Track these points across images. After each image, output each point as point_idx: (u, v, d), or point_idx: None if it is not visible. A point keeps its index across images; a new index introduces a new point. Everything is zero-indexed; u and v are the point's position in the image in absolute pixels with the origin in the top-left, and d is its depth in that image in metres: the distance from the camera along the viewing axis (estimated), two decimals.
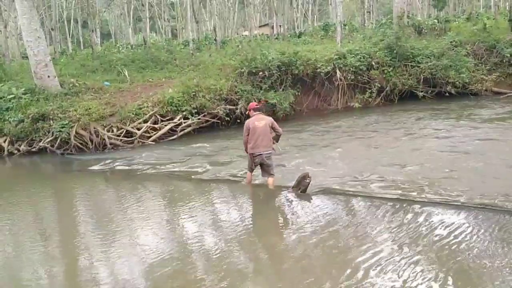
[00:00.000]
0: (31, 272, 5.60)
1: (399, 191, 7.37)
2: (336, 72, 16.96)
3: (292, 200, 7.58)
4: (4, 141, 13.48)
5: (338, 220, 6.50)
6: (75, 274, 5.55)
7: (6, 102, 14.00)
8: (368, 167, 8.99)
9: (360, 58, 17.30)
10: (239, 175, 9.14)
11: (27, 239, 6.88)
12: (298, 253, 5.47)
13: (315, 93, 17.48)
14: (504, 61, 17.81)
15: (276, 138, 8.30)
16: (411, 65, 17.68)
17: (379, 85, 17.38)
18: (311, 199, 7.52)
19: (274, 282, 4.86)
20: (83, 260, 5.90)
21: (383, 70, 17.58)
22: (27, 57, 16.91)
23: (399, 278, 4.58)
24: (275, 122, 8.22)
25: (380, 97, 17.60)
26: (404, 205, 6.77)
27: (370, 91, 17.33)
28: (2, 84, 15.44)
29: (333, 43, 20.20)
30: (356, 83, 17.44)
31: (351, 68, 17.03)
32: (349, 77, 17.10)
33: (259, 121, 8.03)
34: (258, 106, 8.46)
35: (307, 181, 7.67)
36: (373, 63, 17.56)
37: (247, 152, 8.21)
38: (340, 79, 17.04)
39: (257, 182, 8.55)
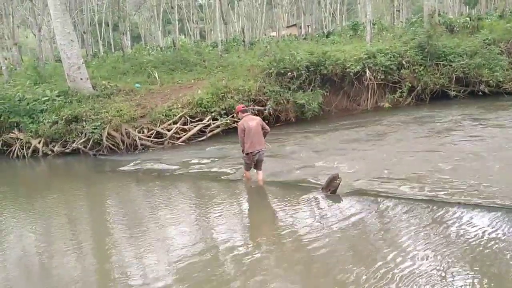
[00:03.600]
0: (65, 267, 5.72)
1: (431, 193, 7.23)
2: (365, 72, 16.78)
3: (322, 201, 7.53)
4: (39, 142, 13.83)
5: (368, 222, 6.45)
6: (107, 269, 5.67)
7: (40, 104, 14.36)
8: (399, 167, 8.87)
9: (390, 57, 17.07)
10: (268, 177, 9.13)
11: (62, 235, 7.07)
12: (327, 255, 5.43)
13: (344, 93, 17.33)
14: None
15: (264, 135, 8.76)
16: (442, 64, 17.33)
17: (410, 85, 17.12)
18: (341, 200, 7.46)
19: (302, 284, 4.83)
20: (115, 256, 6.04)
21: (414, 69, 17.29)
22: (60, 60, 17.33)
23: (432, 281, 4.50)
24: (263, 121, 8.85)
25: (411, 97, 17.32)
26: (436, 207, 6.65)
27: (400, 90, 17.07)
28: (36, 87, 15.86)
29: (362, 42, 19.98)
30: (386, 82, 17.21)
31: (381, 68, 16.81)
32: (379, 77, 16.88)
33: (252, 121, 8.54)
34: (245, 107, 9.06)
35: (337, 182, 7.63)
36: (404, 62, 17.30)
37: (243, 153, 8.61)
38: (370, 79, 16.85)
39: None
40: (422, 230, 5.85)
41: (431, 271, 4.73)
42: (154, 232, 6.81)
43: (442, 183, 7.68)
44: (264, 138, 8.78)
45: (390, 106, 16.70)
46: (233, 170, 9.99)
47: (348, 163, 9.59)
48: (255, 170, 8.78)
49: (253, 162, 8.62)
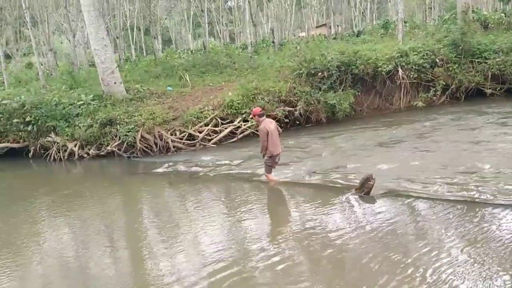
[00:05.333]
0: (101, 267, 5.85)
1: (467, 193, 7.08)
2: (398, 71, 16.49)
3: (355, 202, 7.46)
4: (75, 146, 14.16)
5: (404, 223, 6.35)
6: (141, 270, 5.77)
7: (76, 108, 14.71)
8: (435, 168, 8.70)
9: (423, 55, 16.72)
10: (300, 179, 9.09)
11: (98, 235, 7.27)
12: (361, 256, 5.37)
13: (376, 92, 17.07)
14: None
15: None
16: (478, 62, 16.86)
17: (444, 83, 16.71)
18: (376, 201, 7.36)
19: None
20: (149, 257, 6.15)
21: (448, 67, 16.89)
22: (94, 65, 17.71)
23: (471, 283, 4.41)
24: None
25: (445, 96, 16.92)
26: (473, 208, 6.51)
27: (434, 89, 16.69)
28: (72, 91, 16.26)
29: (393, 41, 19.67)
30: (419, 81, 16.86)
31: (413, 66, 16.48)
32: (411, 76, 16.56)
33: (271, 124, 8.88)
34: (263, 111, 9.21)
35: (371, 183, 7.53)
36: (437, 60, 16.92)
37: (264, 157, 8.92)
38: (403, 78, 16.54)
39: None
40: (458, 232, 5.73)
41: (468, 273, 4.63)
42: (188, 233, 6.92)
43: (479, 183, 7.49)
44: None
45: (424, 105, 16.35)
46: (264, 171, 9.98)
47: (382, 163, 9.45)
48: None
49: (276, 163, 8.87)
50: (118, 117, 14.06)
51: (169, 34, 52.92)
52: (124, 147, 13.79)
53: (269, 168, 9.01)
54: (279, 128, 9.13)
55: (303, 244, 5.93)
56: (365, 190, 7.59)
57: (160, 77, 18.93)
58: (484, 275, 4.57)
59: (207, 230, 6.97)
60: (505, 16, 20.68)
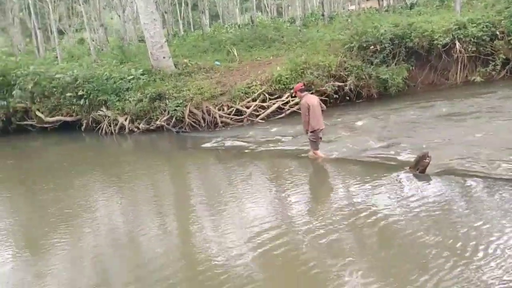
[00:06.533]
0: (150, 241, 5.89)
1: None
2: (455, 44, 15.66)
3: (408, 180, 7.15)
4: (125, 120, 14.41)
5: (456, 203, 6.05)
6: (189, 245, 5.78)
7: (126, 82, 14.92)
8: (495, 146, 8.19)
9: (483, 27, 15.77)
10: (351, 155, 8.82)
11: (147, 210, 7.36)
12: (409, 233, 5.20)
13: (431, 67, 16.31)
14: None
15: None
16: None
17: (504, 57, 15.75)
18: (431, 180, 7.02)
19: (381, 267, 4.60)
20: (196, 232, 6.17)
21: (509, 41, 15.86)
22: (143, 40, 17.86)
23: None
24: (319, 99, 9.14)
25: (505, 70, 15.97)
26: None
27: (494, 63, 15.77)
28: (122, 66, 16.51)
29: (450, 12, 18.69)
30: (478, 55, 15.96)
31: (472, 39, 15.59)
32: (469, 49, 15.68)
33: (313, 99, 8.73)
34: (304, 86, 9.13)
35: (427, 161, 7.20)
36: (498, 33, 15.91)
37: (307, 132, 8.75)
38: (460, 51, 15.70)
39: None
40: None
41: None
42: (234, 207, 6.89)
43: None
44: None
45: (482, 80, 15.52)
46: None
47: (439, 140, 9.06)
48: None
49: (320, 138, 8.73)
50: (167, 91, 14.13)
51: (216, 9, 52.64)
52: (173, 122, 13.89)
53: (314, 144, 8.82)
54: (322, 105, 8.98)
55: (350, 221, 5.76)
56: (420, 168, 7.28)
57: (207, 52, 18.90)
58: None
59: (253, 205, 6.92)
60: None
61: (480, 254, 4.50)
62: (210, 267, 4.93)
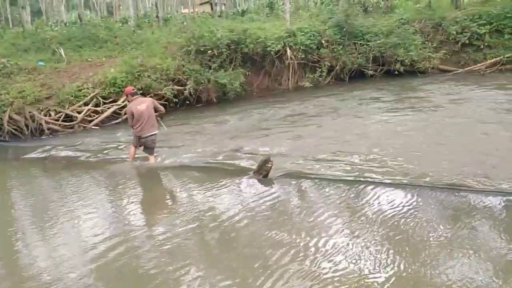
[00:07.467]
0: None
1: (359, 173, 7.07)
2: (286, 51, 16.52)
3: (253, 186, 7.07)
4: None
5: (294, 203, 6.24)
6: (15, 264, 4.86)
7: None
8: (332, 148, 8.64)
9: (310, 36, 16.96)
10: (189, 160, 8.50)
11: None
12: (253, 238, 5.16)
13: (265, 72, 17.00)
14: (450, 38, 17.86)
15: (160, 116, 8.60)
16: (360, 44, 17.52)
17: (329, 64, 17.15)
18: (273, 183, 7.05)
19: (224, 267, 4.42)
20: (23, 251, 5.41)
21: (333, 49, 17.33)
22: None
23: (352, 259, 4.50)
24: (156, 101, 8.58)
25: (331, 76, 17.37)
26: (363, 187, 6.52)
27: (320, 70, 17.04)
28: None
29: (280, 21, 19.71)
30: (307, 62, 17.11)
31: (301, 47, 16.65)
32: (299, 56, 16.72)
33: (141, 104, 8.15)
34: (134, 90, 8.61)
35: (269, 165, 7.21)
36: (323, 42, 17.27)
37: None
38: (291, 58, 16.64)
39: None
40: (342, 209, 5.81)
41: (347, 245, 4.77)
42: (67, 222, 6.12)
43: (368, 163, 7.59)
44: (162, 119, 8.73)
45: (311, 85, 16.62)
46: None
47: (279, 144, 9.25)
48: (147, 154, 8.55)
49: (140, 144, 8.40)
50: None
51: (39, 4, 48.28)
52: None
53: (134, 142, 8.52)
54: (159, 107, 8.43)
55: (191, 226, 5.59)
56: (263, 172, 7.26)
57: (30, 51, 16.90)
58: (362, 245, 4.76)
59: (88, 216, 6.25)
60: (382, 0, 21.72)
61: (313, 249, 4.73)
62: (39, 284, 4.42)
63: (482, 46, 17.59)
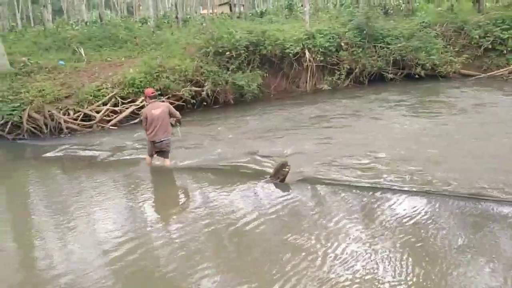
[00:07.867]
0: None
1: (378, 179, 6.99)
2: (305, 53, 16.41)
3: (270, 190, 7.02)
4: None
5: (310, 209, 6.16)
6: (31, 262, 4.93)
7: None
8: (350, 152, 8.53)
9: (330, 38, 16.82)
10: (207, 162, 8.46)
11: None
12: (269, 243, 5.17)
13: (283, 75, 16.89)
14: (472, 43, 17.60)
15: (178, 122, 8.50)
16: (380, 47, 17.32)
17: (348, 67, 16.99)
18: (291, 188, 6.98)
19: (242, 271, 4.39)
20: (40, 246, 5.59)
21: (352, 51, 17.16)
22: None
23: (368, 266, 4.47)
24: (172, 107, 8.42)
25: (349, 79, 17.20)
26: (381, 193, 6.47)
27: (339, 72, 16.89)
28: None
29: (299, 22, 19.60)
30: (325, 64, 16.97)
31: (320, 49, 16.52)
32: (318, 58, 16.59)
33: (156, 109, 8.08)
34: (154, 93, 8.59)
35: (286, 169, 7.16)
36: (342, 44, 17.12)
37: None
38: (309, 60, 16.52)
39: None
40: (359, 216, 5.76)
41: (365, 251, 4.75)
42: (85, 223, 6.23)
43: (387, 168, 7.50)
44: (180, 124, 8.60)
45: (329, 88, 16.48)
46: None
47: (293, 147, 9.15)
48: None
49: (155, 149, 8.28)
50: (1, 93, 12.33)
51: (60, 3, 48.90)
52: (8, 128, 12.14)
53: (148, 151, 8.44)
54: (176, 113, 8.27)
55: (209, 230, 5.62)
56: (280, 177, 7.20)
57: (50, 50, 17.10)
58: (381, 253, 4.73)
59: (106, 218, 6.35)
60: (403, 3, 21.46)
61: (331, 256, 4.71)
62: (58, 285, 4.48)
63: (505, 51, 17.26)
